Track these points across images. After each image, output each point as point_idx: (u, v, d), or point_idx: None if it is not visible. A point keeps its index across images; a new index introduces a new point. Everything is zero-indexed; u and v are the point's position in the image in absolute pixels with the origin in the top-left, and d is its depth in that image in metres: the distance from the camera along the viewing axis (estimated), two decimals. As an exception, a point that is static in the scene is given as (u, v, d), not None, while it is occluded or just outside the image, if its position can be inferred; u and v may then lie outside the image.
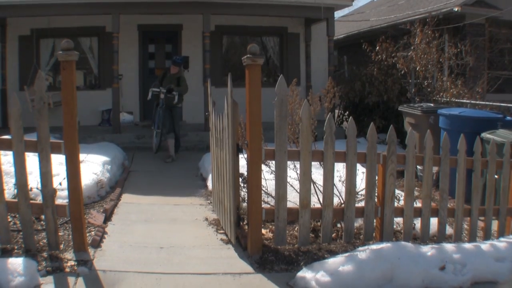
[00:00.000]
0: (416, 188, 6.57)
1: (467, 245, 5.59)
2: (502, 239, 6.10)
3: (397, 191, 6.06)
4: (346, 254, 5.09)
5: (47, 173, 5.09)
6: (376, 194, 5.87)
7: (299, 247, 5.70)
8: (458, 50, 14.17)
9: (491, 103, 11.91)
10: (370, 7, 26.85)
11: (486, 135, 7.74)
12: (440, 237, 6.16)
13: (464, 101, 12.43)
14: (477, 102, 12.27)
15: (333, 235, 6.00)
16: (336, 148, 5.61)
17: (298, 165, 5.72)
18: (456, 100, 12.71)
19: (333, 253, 5.49)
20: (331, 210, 5.64)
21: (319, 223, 6.02)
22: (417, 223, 6.22)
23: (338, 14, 26.25)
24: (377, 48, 14.97)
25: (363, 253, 4.99)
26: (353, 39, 21.00)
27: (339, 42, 21.87)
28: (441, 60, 14.37)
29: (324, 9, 14.67)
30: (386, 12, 21.13)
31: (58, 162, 6.49)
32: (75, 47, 5.21)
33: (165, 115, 11.80)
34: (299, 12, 15.32)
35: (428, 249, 5.21)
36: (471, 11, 15.85)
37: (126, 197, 8.21)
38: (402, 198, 6.19)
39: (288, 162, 5.60)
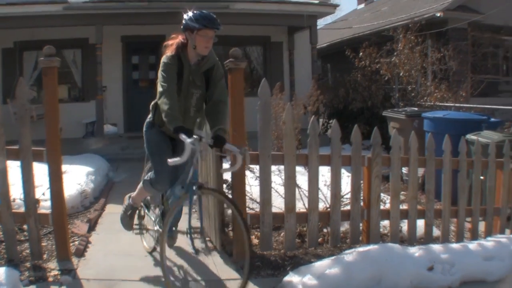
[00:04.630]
0: (402, 192, 6.56)
1: (455, 245, 5.58)
2: (489, 238, 6.10)
3: (383, 195, 6.05)
4: (333, 258, 5.04)
5: (29, 181, 5.02)
6: (362, 197, 5.84)
7: (285, 252, 5.65)
8: (441, 55, 14.25)
9: (475, 106, 11.96)
10: (353, 15, 27.01)
11: (471, 136, 7.74)
12: (428, 239, 6.13)
13: (448, 104, 12.50)
14: (462, 105, 12.32)
15: (320, 239, 5.98)
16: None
17: (283, 170, 5.68)
18: (440, 104, 12.78)
19: (319, 257, 5.41)
20: (316, 214, 5.61)
21: (305, 228, 5.98)
22: (404, 225, 6.20)
23: (321, 22, 26.37)
24: (361, 54, 15.00)
25: (350, 255, 4.95)
26: (337, 47, 21.06)
27: (323, 50, 21.93)
28: (424, 65, 14.45)
29: (306, 17, 14.72)
30: (369, 20, 21.23)
31: (42, 173, 6.43)
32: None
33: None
34: (282, 20, 15.40)
35: (415, 250, 5.18)
36: (453, 16, 15.96)
37: (111, 207, 8.09)
38: (388, 201, 6.18)
39: (273, 168, 5.58)
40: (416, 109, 11.16)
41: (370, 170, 5.77)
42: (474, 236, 6.50)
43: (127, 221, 5.63)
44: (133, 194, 5.50)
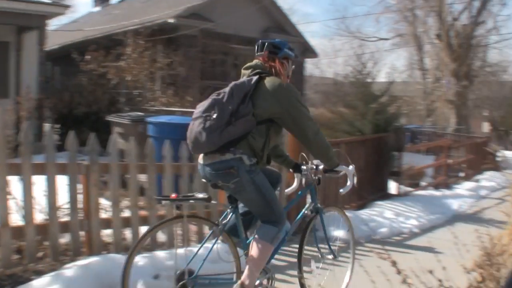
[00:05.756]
0: (127, 199, 6.46)
1: (181, 251, 5.58)
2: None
3: (107, 202, 5.91)
4: (53, 273, 4.81)
5: None
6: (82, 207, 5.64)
7: (4, 270, 5.23)
8: (171, 60, 14.49)
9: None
10: (89, 17, 26.71)
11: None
12: (154, 246, 6.05)
13: (174, 109, 12.81)
14: (187, 110, 12.61)
15: (41, 254, 5.64)
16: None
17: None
18: (166, 108, 13.03)
19: (40, 274, 5.12)
20: (33, 227, 5.28)
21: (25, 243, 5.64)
22: (129, 233, 6.09)
23: (56, 23, 25.57)
24: (87, 57, 14.79)
25: (71, 270, 4.77)
26: (68, 49, 20.36)
27: (54, 53, 21.15)
28: (153, 70, 14.59)
29: (35, 17, 14.15)
30: (102, 23, 21.10)
31: None
32: None
33: None
34: (10, 19, 14.48)
35: (139, 259, 5.07)
36: (185, 23, 16.41)
37: None
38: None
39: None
40: (141, 113, 11.13)
41: (88, 178, 5.58)
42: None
43: None
44: (247, 275, 4.17)
